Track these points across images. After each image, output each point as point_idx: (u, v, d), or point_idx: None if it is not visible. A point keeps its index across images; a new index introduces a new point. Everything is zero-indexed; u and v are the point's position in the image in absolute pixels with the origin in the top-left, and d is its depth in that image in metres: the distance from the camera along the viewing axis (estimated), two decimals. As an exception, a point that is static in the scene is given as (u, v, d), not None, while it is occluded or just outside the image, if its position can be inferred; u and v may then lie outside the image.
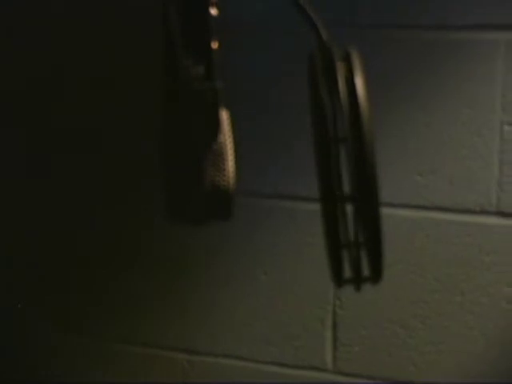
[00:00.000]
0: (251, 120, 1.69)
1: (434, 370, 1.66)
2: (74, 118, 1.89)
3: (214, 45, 0.80)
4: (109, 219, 1.90)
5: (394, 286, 1.66)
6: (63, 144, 1.91)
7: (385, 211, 1.62)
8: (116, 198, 1.88)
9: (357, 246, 0.80)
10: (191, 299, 1.85)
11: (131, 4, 1.80)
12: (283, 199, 1.74)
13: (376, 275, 0.81)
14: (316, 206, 0.84)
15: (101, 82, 1.87)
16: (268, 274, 1.77)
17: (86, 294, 1.94)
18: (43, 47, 1.88)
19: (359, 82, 0.76)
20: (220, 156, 0.81)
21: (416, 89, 1.64)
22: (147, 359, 1.90)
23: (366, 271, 0.81)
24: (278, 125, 1.73)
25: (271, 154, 1.74)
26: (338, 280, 0.81)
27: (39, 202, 1.94)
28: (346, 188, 0.80)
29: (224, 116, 0.82)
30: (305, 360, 1.75)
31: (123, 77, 1.83)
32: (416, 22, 1.64)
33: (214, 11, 0.80)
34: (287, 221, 1.74)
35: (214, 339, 1.83)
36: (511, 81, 1.56)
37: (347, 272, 0.83)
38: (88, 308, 1.94)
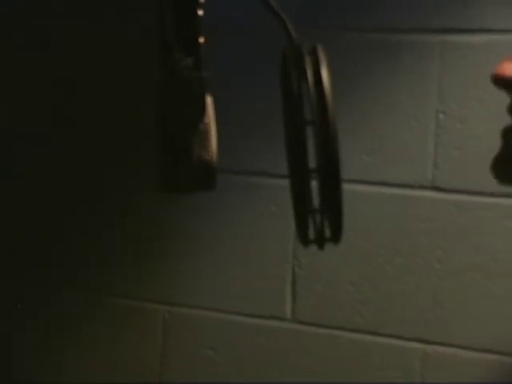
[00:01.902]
0: (226, 105, 1.69)
1: (378, 320, 1.67)
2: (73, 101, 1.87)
3: (201, 40, 0.80)
4: (99, 182, 1.88)
5: (345, 250, 1.66)
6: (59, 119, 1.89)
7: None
8: (110, 167, 1.87)
9: (320, 212, 0.80)
10: (170, 257, 1.84)
11: (130, 5, 1.78)
12: (250, 175, 1.74)
13: (336, 237, 0.81)
14: (278, 181, 0.84)
15: (103, 70, 1.84)
16: (238, 238, 1.78)
17: (72, 249, 1.91)
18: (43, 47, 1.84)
19: (325, 73, 0.77)
20: (205, 135, 0.81)
21: (364, 83, 1.65)
22: (129, 311, 1.88)
23: (327, 233, 0.82)
24: (250, 111, 1.73)
25: (242, 137, 1.74)
26: (305, 241, 0.81)
27: (29, 161, 1.92)
28: (312, 163, 0.80)
29: (209, 101, 0.82)
30: (269, 311, 1.75)
31: (124, 66, 1.81)
32: (363, 25, 1.65)
33: (201, 12, 0.80)
34: (254, 194, 1.74)
35: (191, 292, 1.82)
36: (445, 76, 1.57)
37: (312, 234, 0.83)
38: (73, 262, 1.92)
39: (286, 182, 0.86)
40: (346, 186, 1.64)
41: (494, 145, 0.88)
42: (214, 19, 1.64)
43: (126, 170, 1.83)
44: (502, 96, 0.86)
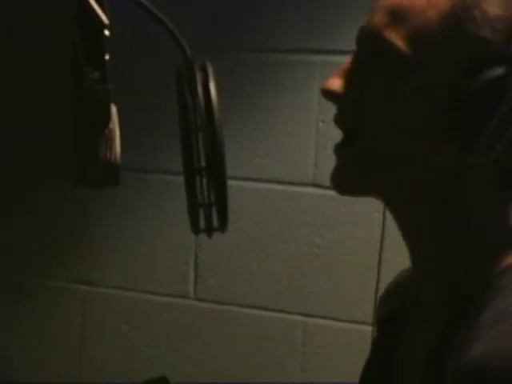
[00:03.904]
0: (137, 114, 1.68)
1: (267, 297, 1.68)
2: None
3: (107, 57, 0.79)
4: (22, 177, 1.84)
5: (239, 237, 1.68)
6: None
7: (233, 183, 1.65)
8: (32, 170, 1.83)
9: (209, 205, 0.80)
10: (89, 242, 1.82)
11: (43, 31, 1.73)
12: (162, 173, 1.73)
13: (223, 227, 0.81)
14: (181, 178, 0.84)
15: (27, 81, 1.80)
16: (148, 227, 1.77)
17: None
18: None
19: (212, 87, 0.77)
20: (110, 139, 0.81)
21: (256, 96, 1.66)
22: (49, 291, 1.85)
23: (215, 224, 0.82)
24: (154, 118, 1.72)
25: (148, 141, 1.73)
26: (196, 230, 0.81)
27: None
28: (203, 163, 0.80)
29: (114, 109, 0.81)
30: (175, 290, 1.75)
31: (42, 79, 1.77)
32: (255, 46, 1.66)
33: (107, 32, 0.80)
34: (163, 189, 1.73)
35: (108, 274, 1.81)
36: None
37: (202, 224, 0.83)
38: None
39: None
40: (240, 184, 1.67)
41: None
42: (126, 39, 1.63)
43: (47, 167, 1.79)
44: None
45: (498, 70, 0.66)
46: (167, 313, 1.76)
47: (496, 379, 0.61)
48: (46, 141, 1.76)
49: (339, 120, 0.75)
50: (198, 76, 0.78)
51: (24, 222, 1.84)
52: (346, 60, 0.75)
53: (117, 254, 1.80)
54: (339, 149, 0.76)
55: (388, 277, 0.95)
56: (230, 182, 1.73)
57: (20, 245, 1.85)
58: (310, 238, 1.64)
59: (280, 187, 1.66)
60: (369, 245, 1.57)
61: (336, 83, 0.74)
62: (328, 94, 0.74)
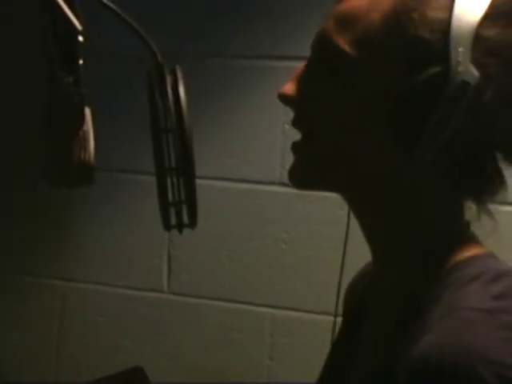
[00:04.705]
0: (111, 116, 1.67)
1: (236, 291, 1.68)
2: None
3: (81, 62, 0.78)
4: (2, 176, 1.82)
5: (210, 234, 1.68)
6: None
7: (204, 182, 1.64)
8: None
9: (180, 203, 0.80)
10: (67, 241, 1.80)
11: (18, 36, 1.71)
12: (137, 173, 1.73)
13: (192, 223, 0.81)
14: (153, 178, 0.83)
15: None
16: (123, 225, 1.76)
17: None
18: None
19: (181, 90, 0.76)
20: (84, 140, 0.80)
21: (224, 101, 1.66)
22: (28, 287, 1.83)
23: (186, 220, 0.82)
24: (128, 119, 1.71)
25: (122, 142, 1.72)
26: (167, 226, 0.81)
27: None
28: (173, 163, 0.80)
29: (87, 112, 0.80)
30: (149, 285, 1.75)
31: (17, 80, 1.75)
32: (222, 52, 1.66)
33: (80, 38, 0.79)
34: (136, 189, 1.72)
35: (86, 270, 1.79)
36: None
37: (174, 221, 0.83)
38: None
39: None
40: (211, 183, 1.66)
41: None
42: (100, 45, 1.62)
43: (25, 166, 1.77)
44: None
45: (436, 69, 0.66)
46: (142, 306, 1.75)
47: (441, 370, 0.61)
48: (23, 140, 1.74)
49: (296, 122, 0.76)
50: (168, 79, 0.77)
51: (2, 219, 1.82)
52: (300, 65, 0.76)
53: (94, 251, 1.79)
54: (296, 147, 0.77)
55: (351, 270, 0.95)
56: (202, 182, 1.74)
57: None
58: (277, 234, 1.64)
59: (248, 186, 1.66)
60: (333, 240, 1.57)
61: (289, 88, 0.74)
62: (282, 99, 0.75)
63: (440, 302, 0.68)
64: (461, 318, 0.64)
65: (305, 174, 0.77)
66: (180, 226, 0.81)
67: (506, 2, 0.69)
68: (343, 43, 0.70)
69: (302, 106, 0.74)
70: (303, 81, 0.74)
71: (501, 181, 0.74)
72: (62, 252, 1.81)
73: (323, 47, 0.73)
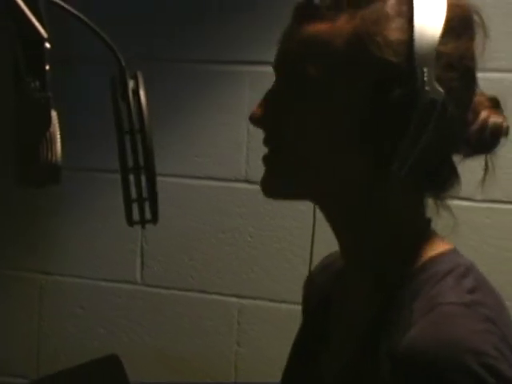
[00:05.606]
0: (78, 118, 1.66)
1: (205, 282, 1.68)
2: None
3: (47, 67, 0.78)
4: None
5: (181, 228, 1.67)
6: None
7: (174, 180, 1.64)
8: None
9: (142, 200, 0.79)
10: (45, 234, 1.79)
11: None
12: (107, 172, 1.71)
13: (154, 219, 0.81)
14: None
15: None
16: (98, 221, 1.75)
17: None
18: None
19: (142, 93, 0.76)
20: (51, 141, 0.79)
21: (191, 103, 1.65)
22: (7, 280, 1.81)
23: (148, 216, 0.81)
24: (100, 120, 1.69)
25: (94, 142, 1.71)
26: (130, 222, 0.80)
27: None
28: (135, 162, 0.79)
29: (54, 114, 0.80)
30: (123, 277, 1.74)
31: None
32: (189, 57, 1.65)
33: (47, 45, 0.78)
34: (108, 186, 1.70)
35: (63, 263, 1.78)
36: (254, 97, 1.59)
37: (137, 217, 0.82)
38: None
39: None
40: (181, 181, 1.66)
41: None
42: (71, 51, 1.61)
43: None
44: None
45: (403, 89, 0.66)
46: (117, 297, 1.75)
47: (429, 362, 0.62)
48: None
49: (266, 141, 0.76)
50: (130, 84, 0.77)
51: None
52: (269, 70, 0.76)
53: (70, 245, 1.78)
54: (266, 160, 0.77)
55: (316, 262, 0.95)
56: (172, 180, 1.73)
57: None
58: (244, 227, 1.64)
59: (216, 183, 1.66)
60: (297, 234, 1.59)
61: (258, 111, 0.74)
62: (253, 122, 0.75)
63: (419, 297, 0.69)
64: (442, 312, 0.66)
65: (275, 187, 0.77)
66: (143, 222, 0.81)
67: (457, 15, 0.70)
68: (310, 68, 0.70)
69: (271, 127, 0.74)
70: (271, 105, 0.74)
71: (456, 176, 0.75)
72: (39, 247, 1.79)
73: (289, 71, 0.72)
